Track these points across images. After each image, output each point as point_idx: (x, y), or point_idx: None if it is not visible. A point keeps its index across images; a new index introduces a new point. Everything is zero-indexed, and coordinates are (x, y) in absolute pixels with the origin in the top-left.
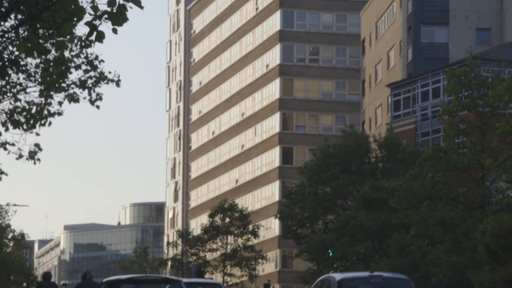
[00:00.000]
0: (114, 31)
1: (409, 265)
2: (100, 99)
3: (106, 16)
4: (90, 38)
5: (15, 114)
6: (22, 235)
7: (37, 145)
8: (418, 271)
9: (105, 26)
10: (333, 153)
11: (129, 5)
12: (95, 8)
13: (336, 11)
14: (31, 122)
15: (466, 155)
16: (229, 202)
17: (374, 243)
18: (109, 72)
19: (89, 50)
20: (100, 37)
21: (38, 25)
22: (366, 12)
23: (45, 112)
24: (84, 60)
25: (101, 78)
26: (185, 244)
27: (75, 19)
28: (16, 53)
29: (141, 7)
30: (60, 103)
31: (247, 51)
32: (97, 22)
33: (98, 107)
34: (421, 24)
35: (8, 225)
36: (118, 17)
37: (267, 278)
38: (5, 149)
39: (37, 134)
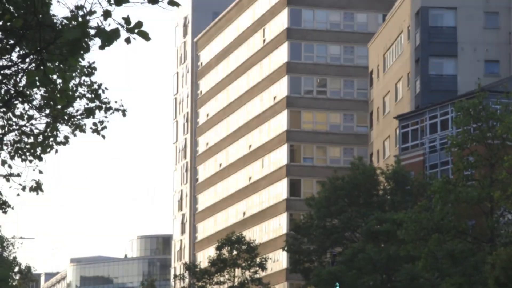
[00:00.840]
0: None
1: None
2: (105, 127)
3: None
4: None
5: (20, 142)
6: (28, 268)
7: (38, 183)
8: None
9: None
10: (341, 185)
11: (134, 36)
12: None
13: (343, 43)
14: (37, 151)
15: (475, 188)
16: (237, 234)
17: (382, 276)
18: (115, 102)
19: (93, 79)
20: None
21: (44, 58)
22: (373, 44)
23: (51, 140)
24: (87, 89)
25: (107, 108)
26: (192, 277)
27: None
28: (23, 84)
29: (148, 39)
30: (66, 138)
31: (254, 83)
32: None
33: (103, 136)
34: (429, 56)
35: (15, 258)
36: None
37: None
38: (8, 180)
39: (40, 172)
